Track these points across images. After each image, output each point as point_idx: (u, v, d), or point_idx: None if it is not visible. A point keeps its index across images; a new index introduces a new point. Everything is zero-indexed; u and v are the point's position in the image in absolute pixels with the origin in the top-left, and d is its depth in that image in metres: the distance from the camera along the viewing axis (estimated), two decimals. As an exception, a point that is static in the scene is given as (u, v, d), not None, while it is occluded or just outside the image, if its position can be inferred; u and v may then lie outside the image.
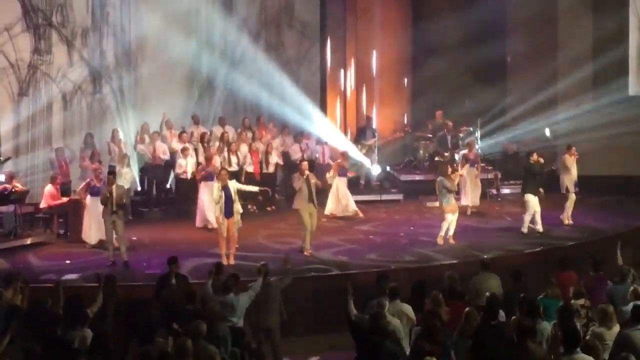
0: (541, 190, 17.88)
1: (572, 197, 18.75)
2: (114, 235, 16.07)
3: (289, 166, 21.19)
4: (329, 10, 23.17)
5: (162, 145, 20.20)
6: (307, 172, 16.72)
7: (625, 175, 22.30)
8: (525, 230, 18.03)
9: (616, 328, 10.24)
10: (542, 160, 18.26)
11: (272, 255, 16.25)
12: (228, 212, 15.92)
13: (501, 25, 24.08)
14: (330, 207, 19.82)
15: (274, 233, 18.53)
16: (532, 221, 18.13)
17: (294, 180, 16.87)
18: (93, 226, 17.14)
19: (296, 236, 17.17)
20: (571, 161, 18.67)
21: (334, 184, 19.67)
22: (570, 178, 18.72)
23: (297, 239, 17.00)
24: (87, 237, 17.36)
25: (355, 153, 22.04)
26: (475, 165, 20.12)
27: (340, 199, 19.82)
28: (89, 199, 17.18)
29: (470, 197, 19.84)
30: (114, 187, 16.06)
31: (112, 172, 17.08)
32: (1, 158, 19.67)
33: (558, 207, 19.31)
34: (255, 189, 17.58)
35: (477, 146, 21.07)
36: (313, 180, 16.77)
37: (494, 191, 21.65)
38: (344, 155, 20.06)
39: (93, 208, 16.93)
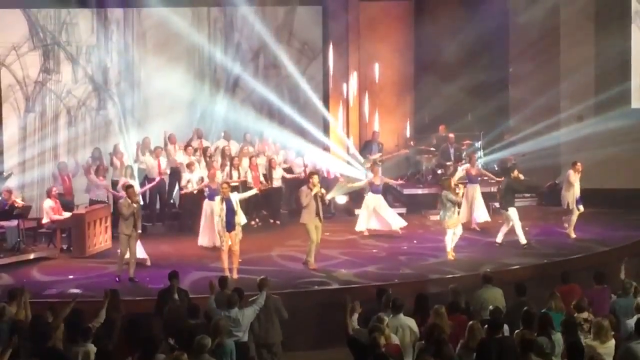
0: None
1: (577, 211, 18.76)
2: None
3: (292, 180, 21.09)
4: (331, 26, 23.15)
5: (165, 160, 20.19)
6: (314, 182, 16.62)
7: (627, 189, 22.20)
8: (524, 241, 18.04)
9: (610, 343, 10.23)
10: (522, 177, 18.67)
11: (278, 269, 16.25)
12: (230, 225, 15.92)
13: (502, 39, 23.98)
14: (370, 225, 19.43)
15: (286, 249, 18.34)
16: (504, 231, 18.30)
17: (302, 194, 16.78)
18: None
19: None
20: (575, 177, 18.69)
21: (365, 201, 19.38)
22: (572, 194, 18.72)
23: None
24: None
25: (353, 169, 22.12)
26: (479, 179, 20.00)
27: (384, 214, 19.36)
28: None
29: (466, 214, 19.51)
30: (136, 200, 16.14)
31: (131, 186, 16.81)
32: (4, 174, 19.82)
33: (560, 221, 19.33)
34: (254, 191, 17.84)
35: (478, 161, 20.82)
36: (320, 193, 16.72)
37: (497, 204, 21.51)
38: (375, 171, 19.65)
39: None
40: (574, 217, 18.81)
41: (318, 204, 16.62)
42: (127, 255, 16.09)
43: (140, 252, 16.83)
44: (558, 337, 10.51)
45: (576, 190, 18.72)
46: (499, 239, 18.34)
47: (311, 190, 16.58)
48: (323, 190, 17.01)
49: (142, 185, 19.87)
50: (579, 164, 18.81)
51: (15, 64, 20.96)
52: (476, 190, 19.74)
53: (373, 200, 19.35)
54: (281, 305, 12.86)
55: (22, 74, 21.04)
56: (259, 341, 12.75)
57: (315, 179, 16.82)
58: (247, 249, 16.92)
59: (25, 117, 21.19)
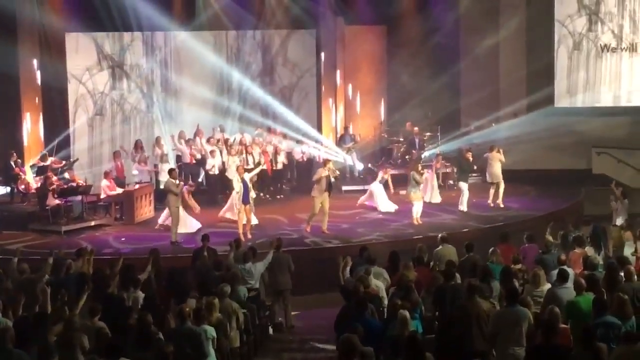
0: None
1: (500, 185, 18.52)
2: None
3: (293, 164, 21.11)
4: (323, 41, 22.94)
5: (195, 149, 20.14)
6: (330, 166, 16.31)
7: (551, 169, 22.08)
8: (464, 209, 17.96)
9: (545, 286, 10.21)
10: (470, 158, 18.50)
11: (282, 232, 16.11)
12: (246, 199, 15.82)
13: (454, 53, 23.66)
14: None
15: (289, 217, 18.02)
16: (460, 202, 18.17)
17: (317, 172, 16.35)
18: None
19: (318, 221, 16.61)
20: (494, 156, 18.48)
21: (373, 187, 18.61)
22: (494, 171, 18.49)
23: (316, 224, 16.58)
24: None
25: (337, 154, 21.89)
26: (438, 173, 19.81)
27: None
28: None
29: (433, 195, 19.29)
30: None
31: (173, 169, 16.49)
32: (71, 160, 20.07)
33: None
34: (260, 168, 17.28)
35: (441, 158, 20.37)
36: (333, 173, 16.40)
37: (452, 182, 21.42)
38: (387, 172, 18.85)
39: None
40: (500, 190, 18.51)
41: (330, 182, 16.21)
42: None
43: (194, 225, 16.60)
44: (496, 284, 10.50)
45: (497, 169, 18.46)
46: (463, 208, 18.09)
47: (325, 169, 16.14)
48: (337, 172, 16.83)
49: (177, 169, 19.80)
50: (496, 147, 18.63)
51: (88, 81, 21.72)
52: (434, 179, 19.40)
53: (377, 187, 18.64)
54: (290, 261, 12.84)
55: (92, 87, 21.77)
56: (274, 288, 12.72)
57: (331, 164, 16.54)
58: (258, 217, 16.79)
59: (92, 117, 21.79)
